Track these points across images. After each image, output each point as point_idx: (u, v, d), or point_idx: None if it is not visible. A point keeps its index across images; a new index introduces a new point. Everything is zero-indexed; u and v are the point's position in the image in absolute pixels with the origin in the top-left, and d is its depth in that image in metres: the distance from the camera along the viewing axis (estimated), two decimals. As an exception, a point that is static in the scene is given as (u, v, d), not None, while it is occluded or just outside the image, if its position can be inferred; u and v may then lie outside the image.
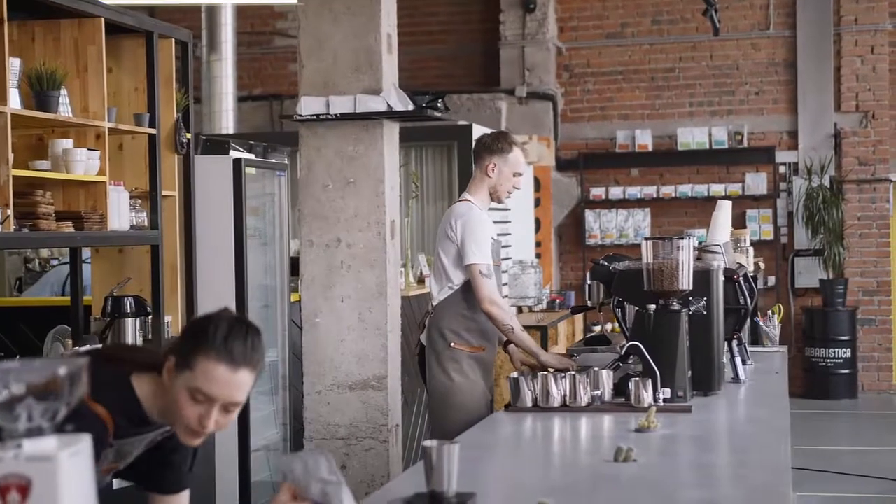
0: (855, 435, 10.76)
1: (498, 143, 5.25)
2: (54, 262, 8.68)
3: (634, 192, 12.77)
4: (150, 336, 5.52)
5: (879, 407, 11.92)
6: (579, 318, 11.30)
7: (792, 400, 11.22)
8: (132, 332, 5.32)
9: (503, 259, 6.23)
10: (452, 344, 5.13)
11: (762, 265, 9.97)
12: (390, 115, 5.64)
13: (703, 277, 4.50)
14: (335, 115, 5.61)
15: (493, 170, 5.21)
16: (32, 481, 1.69)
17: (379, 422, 5.61)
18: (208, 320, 2.59)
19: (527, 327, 9.00)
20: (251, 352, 2.57)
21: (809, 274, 12.48)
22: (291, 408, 6.74)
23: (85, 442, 1.77)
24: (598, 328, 11.56)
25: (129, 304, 5.34)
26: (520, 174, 5.29)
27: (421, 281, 8.09)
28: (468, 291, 5.10)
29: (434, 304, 5.22)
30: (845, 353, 12.14)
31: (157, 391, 2.65)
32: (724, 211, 5.51)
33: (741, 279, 5.02)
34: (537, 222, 12.36)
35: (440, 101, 5.93)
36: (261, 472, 6.53)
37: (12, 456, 1.70)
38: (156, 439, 2.78)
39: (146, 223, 5.49)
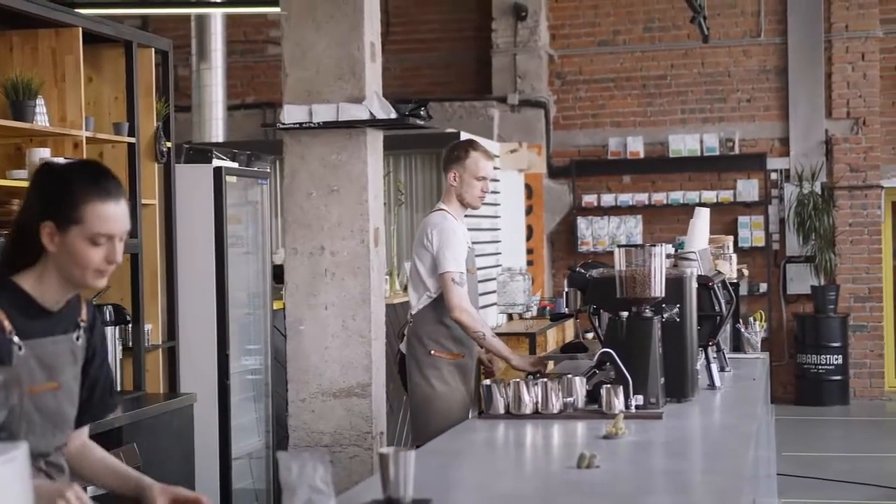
0: (846, 441, 10.76)
1: (454, 151, 5.40)
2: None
3: (626, 199, 12.79)
4: (130, 344, 5.54)
5: (871, 413, 11.92)
6: (570, 324, 11.32)
7: (783, 406, 11.35)
8: (112, 340, 5.34)
9: (480, 268, 6.28)
10: (432, 352, 5.25)
11: (746, 272, 9.97)
12: (373, 123, 5.66)
13: (676, 284, 4.52)
14: (318, 123, 5.63)
15: (455, 178, 5.35)
16: (-37, 489, 1.70)
17: (363, 429, 5.62)
18: (64, 175, 2.69)
19: (515, 334, 9.08)
20: (117, 182, 2.73)
21: (801, 280, 12.49)
22: (275, 415, 6.75)
23: (21, 449, 1.79)
24: (590, 335, 11.56)
25: (108, 313, 5.35)
26: (483, 178, 5.37)
27: (406, 288, 8.10)
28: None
29: (413, 312, 5.34)
30: (837, 359, 12.14)
31: (42, 277, 2.69)
32: (702, 218, 5.53)
33: (717, 286, 5.02)
34: (529, 229, 12.38)
35: (423, 109, 5.95)
36: (243, 479, 6.54)
37: (-56, 463, 1.71)
38: (73, 345, 2.77)
39: (126, 231, 5.51)
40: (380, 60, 5.96)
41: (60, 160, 2.80)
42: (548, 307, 10.80)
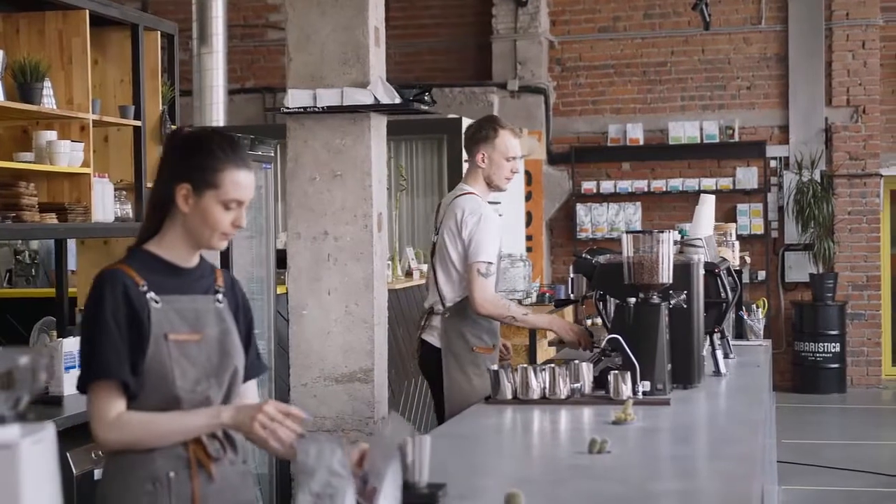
0: (843, 429, 10.79)
1: (482, 130, 5.14)
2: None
3: (626, 185, 12.80)
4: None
5: (868, 401, 11.95)
6: (569, 311, 11.34)
7: (781, 394, 11.36)
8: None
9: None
10: (474, 348, 5.05)
11: (748, 259, 9.98)
12: (377, 108, 5.65)
13: (683, 271, 4.51)
14: (322, 107, 5.62)
15: (483, 159, 5.12)
16: (-7, 469, 1.70)
17: (365, 414, 5.63)
18: (205, 141, 2.86)
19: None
20: (247, 152, 2.94)
21: (799, 268, 12.51)
22: (277, 400, 6.74)
23: (48, 430, 1.79)
24: (589, 321, 11.57)
25: (113, 297, 5.33)
26: (513, 157, 5.13)
27: (409, 274, 8.10)
28: None
29: (447, 304, 5.10)
30: (834, 347, 12.17)
31: (165, 238, 2.86)
32: (708, 205, 5.54)
33: (723, 273, 5.03)
34: (528, 216, 12.38)
35: (427, 94, 5.94)
36: (246, 463, 6.53)
37: (-26, 444, 1.72)
38: (215, 306, 2.91)
39: (131, 215, 5.51)
40: (384, 45, 5.96)
41: (189, 128, 3.01)
42: (548, 293, 10.81)
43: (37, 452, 1.75)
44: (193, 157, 2.84)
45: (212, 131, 2.96)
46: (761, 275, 12.48)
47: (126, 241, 5.62)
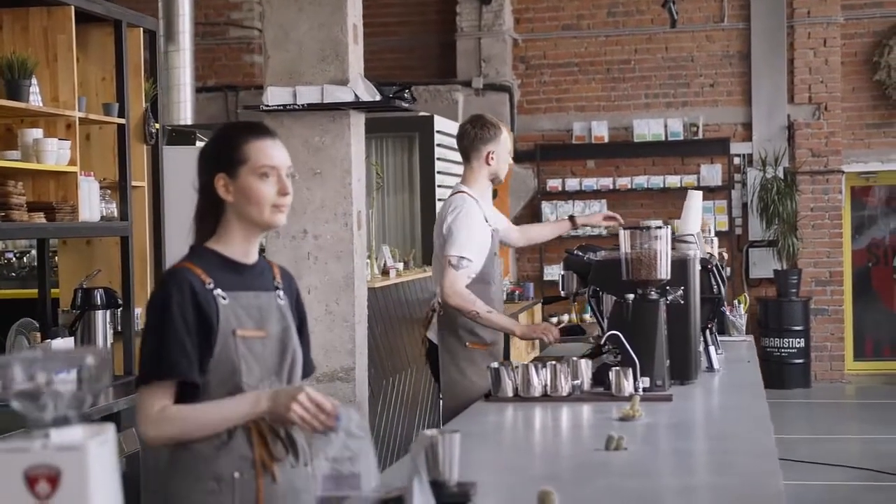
0: (808, 424, 10.88)
1: (487, 130, 5.15)
2: (9, 255, 8.55)
3: (591, 183, 12.83)
4: (119, 328, 5.46)
5: (832, 396, 12.06)
6: (538, 308, 11.38)
7: (747, 389, 11.41)
8: (102, 324, 5.26)
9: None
10: (468, 344, 5.04)
11: (726, 255, 10.03)
12: (357, 105, 5.62)
13: (680, 266, 4.52)
14: (302, 105, 5.58)
15: (492, 158, 5.14)
16: (62, 471, 1.67)
17: (346, 413, 5.59)
18: (221, 131, 2.92)
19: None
20: (266, 126, 2.95)
21: (764, 264, 12.60)
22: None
23: (111, 431, 1.75)
24: (555, 319, 11.61)
25: (99, 296, 5.27)
26: (510, 150, 5.26)
27: (385, 272, 8.07)
28: (476, 287, 5.00)
29: (441, 301, 5.08)
30: (799, 342, 12.26)
31: (224, 233, 2.85)
32: (696, 201, 5.56)
33: (714, 268, 5.05)
34: (494, 214, 12.38)
35: (407, 91, 5.93)
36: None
37: (40, 446, 1.68)
38: (278, 303, 2.89)
39: (116, 214, 5.43)
40: (362, 42, 5.93)
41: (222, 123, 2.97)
42: (517, 291, 10.83)
43: (102, 453, 1.71)
44: (217, 149, 2.87)
45: (228, 123, 3.02)
46: (727, 271, 12.55)
47: (111, 241, 5.59)
